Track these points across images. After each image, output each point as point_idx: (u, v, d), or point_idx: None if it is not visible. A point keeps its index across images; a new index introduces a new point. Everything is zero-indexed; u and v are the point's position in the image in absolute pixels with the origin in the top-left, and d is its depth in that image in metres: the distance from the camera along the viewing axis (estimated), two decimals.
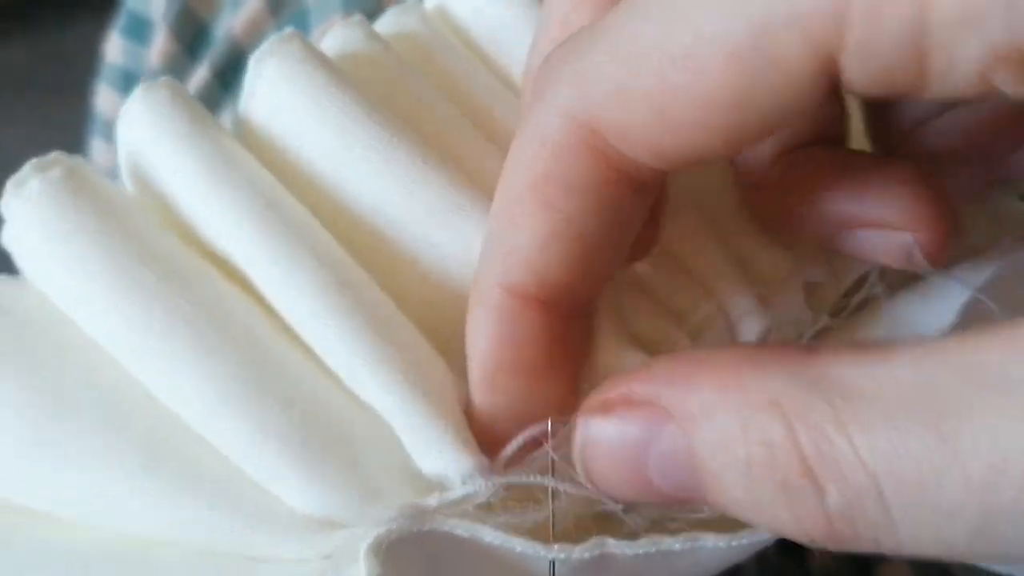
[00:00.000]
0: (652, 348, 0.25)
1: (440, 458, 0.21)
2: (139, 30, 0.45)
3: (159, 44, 0.43)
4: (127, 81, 0.46)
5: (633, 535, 0.21)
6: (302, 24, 0.40)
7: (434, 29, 0.28)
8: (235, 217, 0.23)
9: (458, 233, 0.24)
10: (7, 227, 0.23)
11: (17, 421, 0.22)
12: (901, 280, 0.27)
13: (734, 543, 0.21)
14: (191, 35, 0.43)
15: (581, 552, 0.21)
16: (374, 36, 0.27)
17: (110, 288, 0.22)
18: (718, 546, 0.21)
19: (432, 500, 0.21)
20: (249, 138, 0.25)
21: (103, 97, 0.47)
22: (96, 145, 0.47)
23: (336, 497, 0.20)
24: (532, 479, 0.22)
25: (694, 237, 0.26)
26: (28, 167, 0.23)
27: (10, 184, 0.23)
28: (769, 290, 0.26)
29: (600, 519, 0.23)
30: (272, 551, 0.21)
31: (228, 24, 0.42)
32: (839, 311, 0.27)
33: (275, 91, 0.24)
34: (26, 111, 1.14)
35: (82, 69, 0.70)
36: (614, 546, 0.21)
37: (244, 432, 0.21)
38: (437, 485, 0.21)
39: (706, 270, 0.26)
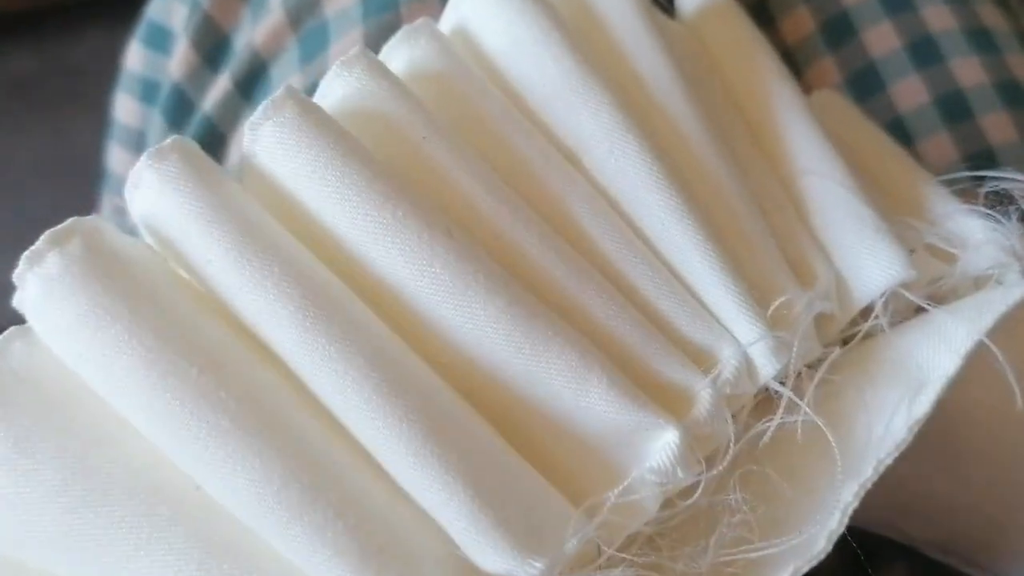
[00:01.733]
0: (672, 393, 0.25)
1: (505, 563, 0.21)
2: (160, 39, 0.46)
3: (180, 54, 0.44)
4: (147, 90, 0.46)
5: None
6: (322, 37, 0.40)
7: (452, 55, 0.27)
8: (274, 306, 0.22)
9: (469, 312, 0.23)
10: (23, 296, 0.22)
11: (50, 505, 0.21)
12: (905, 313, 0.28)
13: None
14: (211, 46, 0.44)
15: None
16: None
17: (151, 384, 0.21)
18: None
19: None
20: (258, 196, 0.24)
21: (122, 104, 0.47)
22: (113, 151, 0.48)
23: None
24: None
25: (715, 277, 0.26)
26: (43, 240, 0.22)
27: (25, 259, 0.22)
28: (785, 328, 0.26)
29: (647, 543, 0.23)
30: None
31: (249, 35, 0.42)
32: (846, 341, 0.28)
33: (273, 159, 0.24)
34: (35, 121, 1.14)
35: (91, 79, 0.70)
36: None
37: (301, 536, 0.20)
38: None
39: (728, 304, 0.26)
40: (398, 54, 0.27)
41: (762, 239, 0.28)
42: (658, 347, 0.25)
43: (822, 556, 0.23)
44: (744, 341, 0.26)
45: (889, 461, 0.24)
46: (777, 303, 0.26)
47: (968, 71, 0.38)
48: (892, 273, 0.27)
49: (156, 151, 0.23)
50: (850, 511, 0.23)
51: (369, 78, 0.25)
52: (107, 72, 0.51)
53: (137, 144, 0.47)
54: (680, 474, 0.23)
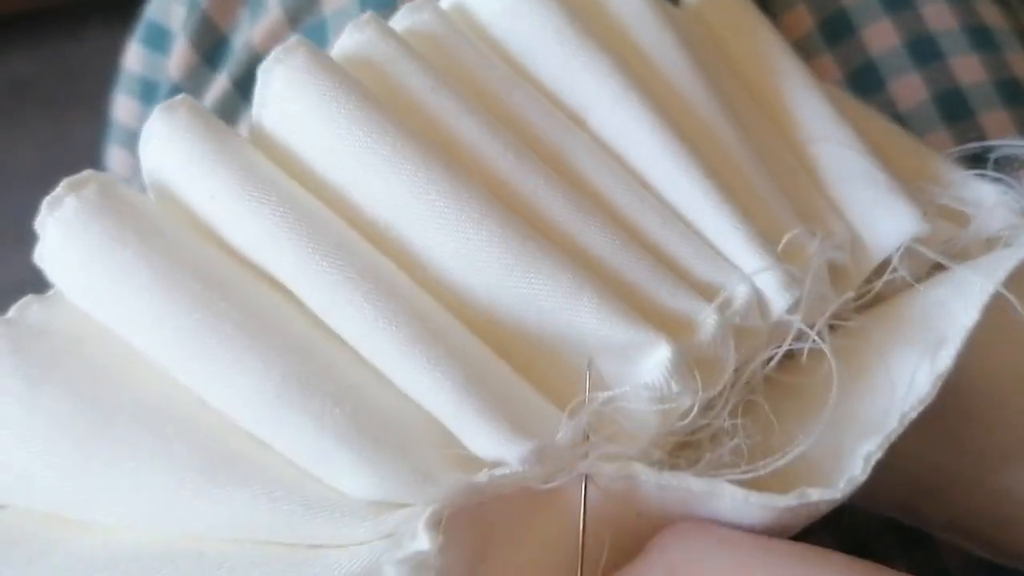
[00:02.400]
0: (677, 319, 0.25)
1: (497, 446, 0.22)
2: (158, 39, 0.46)
3: (178, 54, 0.44)
4: (146, 89, 0.46)
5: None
6: (320, 34, 0.40)
7: (453, 26, 0.28)
8: (273, 230, 0.23)
9: (463, 237, 0.24)
10: (42, 245, 0.24)
11: (62, 436, 0.22)
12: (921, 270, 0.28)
13: (751, 499, 0.22)
14: (210, 45, 0.44)
15: (611, 472, 0.22)
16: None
17: (159, 299, 0.22)
18: (735, 498, 0.22)
19: (483, 477, 0.22)
20: (264, 146, 0.26)
21: (121, 105, 0.47)
22: (114, 152, 0.48)
23: (392, 480, 0.21)
24: (574, 459, 0.22)
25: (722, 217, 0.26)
26: (62, 187, 0.23)
27: (46, 203, 0.23)
28: (796, 265, 0.26)
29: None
30: (333, 536, 0.21)
31: (247, 34, 0.42)
32: (862, 296, 0.28)
33: (284, 101, 0.25)
34: (35, 121, 1.15)
35: (91, 80, 0.70)
36: (641, 471, 0.22)
37: (302, 425, 0.21)
38: (486, 464, 0.22)
39: (736, 240, 0.26)
40: (400, 25, 0.28)
41: (770, 191, 0.28)
42: (663, 278, 0.25)
43: (838, 497, 0.23)
44: (751, 271, 0.26)
45: (914, 415, 0.24)
46: (788, 236, 0.26)
47: (968, 69, 0.38)
48: (906, 228, 0.28)
49: (167, 104, 0.24)
50: (874, 461, 0.23)
51: (380, 38, 0.26)
52: (106, 72, 0.51)
53: (136, 145, 0.47)
54: (674, 388, 0.24)
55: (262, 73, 0.25)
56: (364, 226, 0.24)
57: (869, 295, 0.28)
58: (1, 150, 1.10)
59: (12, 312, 0.24)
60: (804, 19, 0.40)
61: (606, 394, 0.23)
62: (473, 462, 0.22)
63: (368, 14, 0.27)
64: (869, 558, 0.35)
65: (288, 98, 0.25)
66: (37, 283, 0.25)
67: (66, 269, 0.24)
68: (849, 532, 0.36)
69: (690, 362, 0.24)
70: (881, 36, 0.39)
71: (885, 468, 0.24)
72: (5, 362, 0.23)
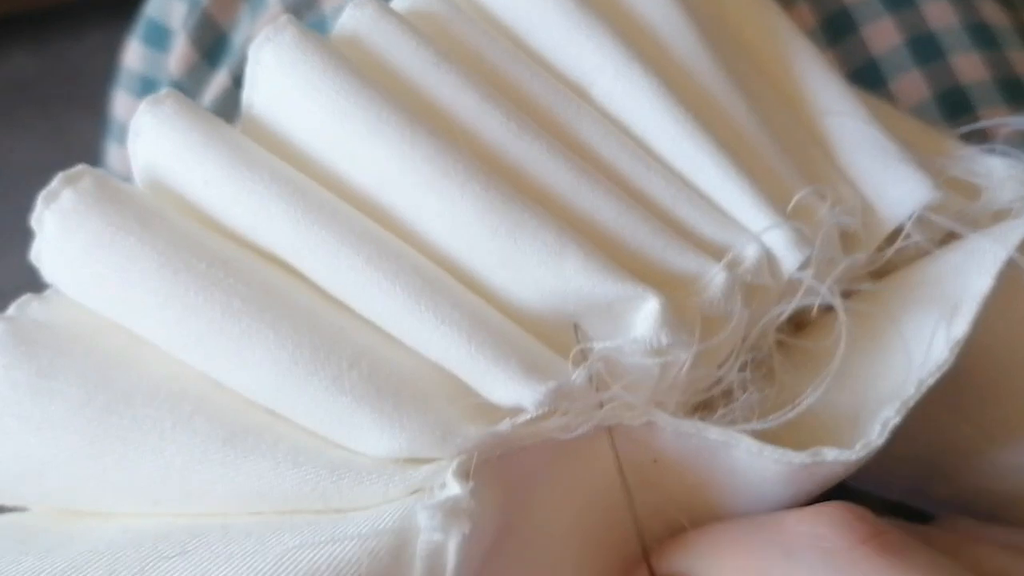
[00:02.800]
0: (686, 283, 0.25)
1: (514, 390, 0.22)
2: (158, 37, 0.46)
3: (178, 52, 0.44)
4: (145, 87, 0.46)
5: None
6: (320, 31, 0.40)
7: (453, 3, 0.28)
8: (268, 207, 0.23)
9: (448, 199, 0.24)
10: (40, 241, 0.24)
11: (76, 420, 0.22)
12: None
13: (765, 452, 0.23)
14: (210, 43, 0.44)
15: (632, 419, 0.22)
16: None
17: (166, 282, 0.22)
18: (750, 450, 0.23)
19: (505, 425, 0.22)
20: (256, 125, 0.26)
21: (120, 102, 0.47)
22: (112, 150, 0.48)
23: (416, 435, 0.21)
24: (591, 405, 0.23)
25: (729, 179, 0.27)
26: (57, 181, 0.23)
27: (41, 198, 0.23)
28: (806, 225, 0.26)
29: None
30: (361, 497, 0.21)
31: (247, 32, 0.42)
32: (874, 264, 0.28)
33: (273, 78, 0.25)
34: (35, 120, 1.15)
35: (91, 79, 0.70)
36: (660, 417, 0.23)
37: (320, 390, 0.22)
38: (507, 412, 0.22)
39: (743, 201, 0.26)
40: (400, 4, 0.28)
41: (779, 159, 0.28)
42: (668, 240, 0.25)
43: (853, 459, 0.23)
44: (759, 229, 0.26)
45: (931, 381, 0.24)
46: (798, 196, 0.26)
47: (969, 67, 0.38)
48: (919, 195, 0.27)
49: (152, 98, 0.25)
50: (891, 426, 0.24)
51: (379, 15, 0.26)
52: (106, 72, 0.51)
53: None
54: (664, 340, 0.23)
55: (252, 51, 0.25)
56: (354, 195, 0.25)
57: (881, 262, 0.28)
58: (1, 150, 1.10)
59: (12, 310, 0.25)
60: (806, 17, 0.40)
61: (602, 344, 0.24)
62: (492, 412, 0.22)
63: None
64: None
65: (278, 75, 0.25)
66: (39, 284, 0.25)
67: (66, 262, 0.24)
68: None
69: (692, 316, 0.24)
70: (882, 34, 0.39)
71: (896, 442, 0.24)
72: (11, 355, 0.23)
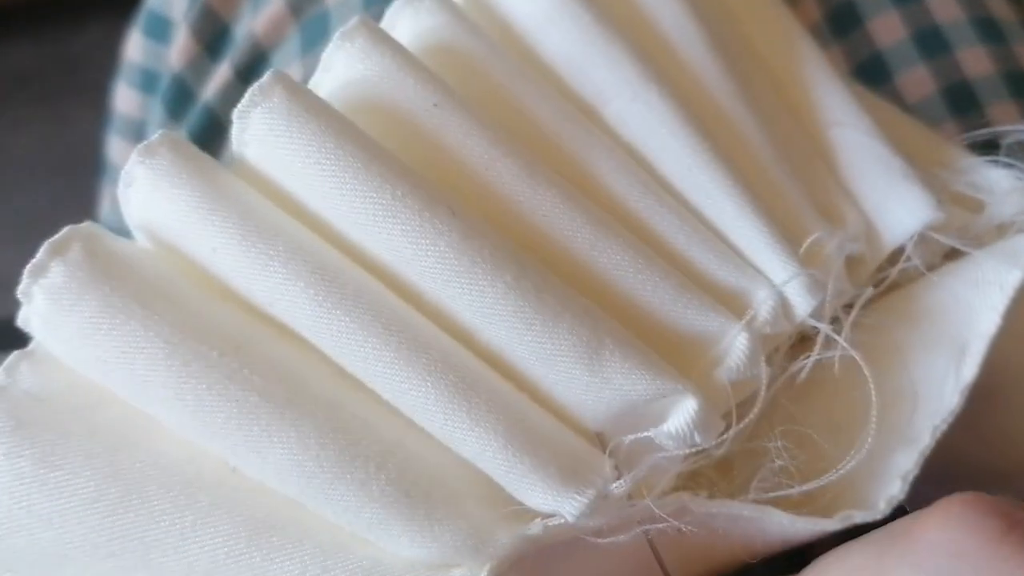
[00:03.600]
0: (706, 343, 0.25)
1: (551, 500, 0.21)
2: (160, 29, 0.46)
3: (180, 44, 0.44)
4: (147, 79, 0.46)
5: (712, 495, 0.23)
6: (323, 25, 0.40)
7: (458, 15, 0.27)
8: (286, 285, 0.22)
9: (478, 290, 0.23)
10: (28, 312, 0.22)
11: (89, 516, 0.21)
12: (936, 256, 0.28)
13: (798, 524, 0.22)
14: (212, 35, 0.44)
15: (664, 511, 0.22)
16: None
17: (174, 374, 0.21)
18: (783, 523, 0.22)
19: (536, 528, 0.21)
20: (252, 182, 0.24)
21: (122, 95, 0.47)
22: (114, 143, 0.48)
23: (447, 542, 0.21)
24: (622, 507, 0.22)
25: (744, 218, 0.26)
26: (43, 252, 0.22)
27: (28, 272, 0.22)
28: (817, 267, 0.26)
29: (690, 477, 0.24)
30: None
31: (249, 24, 0.42)
32: (878, 284, 0.28)
33: (265, 145, 0.23)
34: (36, 114, 1.14)
35: (91, 72, 0.70)
36: (691, 503, 0.22)
37: (347, 496, 0.21)
38: (538, 513, 0.22)
39: (759, 245, 0.26)
40: (401, 18, 0.27)
41: (789, 185, 0.27)
42: (689, 298, 0.24)
43: (879, 516, 0.23)
44: (778, 280, 0.25)
45: (944, 427, 0.24)
46: (809, 241, 0.26)
47: (975, 61, 0.38)
48: (921, 215, 0.27)
49: (145, 147, 0.22)
50: (911, 478, 0.24)
51: (372, 47, 0.24)
52: (107, 63, 0.50)
53: (137, 134, 0.47)
54: (697, 439, 0.23)
55: (237, 117, 0.23)
56: (375, 269, 0.23)
57: (884, 284, 0.28)
58: (0, 142, 1.10)
59: (1, 377, 0.23)
60: (811, 10, 0.40)
61: (632, 437, 0.23)
62: (524, 512, 0.22)
63: (357, 19, 0.25)
64: None
65: (270, 145, 0.23)
66: None
67: (62, 338, 0.22)
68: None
69: (723, 394, 0.24)
70: (888, 28, 0.39)
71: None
72: (12, 439, 0.22)
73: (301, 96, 0.23)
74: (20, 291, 0.22)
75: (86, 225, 0.23)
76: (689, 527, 0.22)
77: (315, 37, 0.40)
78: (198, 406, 0.21)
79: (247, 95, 0.23)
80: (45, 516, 0.21)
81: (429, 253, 0.22)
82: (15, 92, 1.20)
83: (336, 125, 0.23)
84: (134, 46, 0.46)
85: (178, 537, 0.21)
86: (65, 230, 0.22)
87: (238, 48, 0.42)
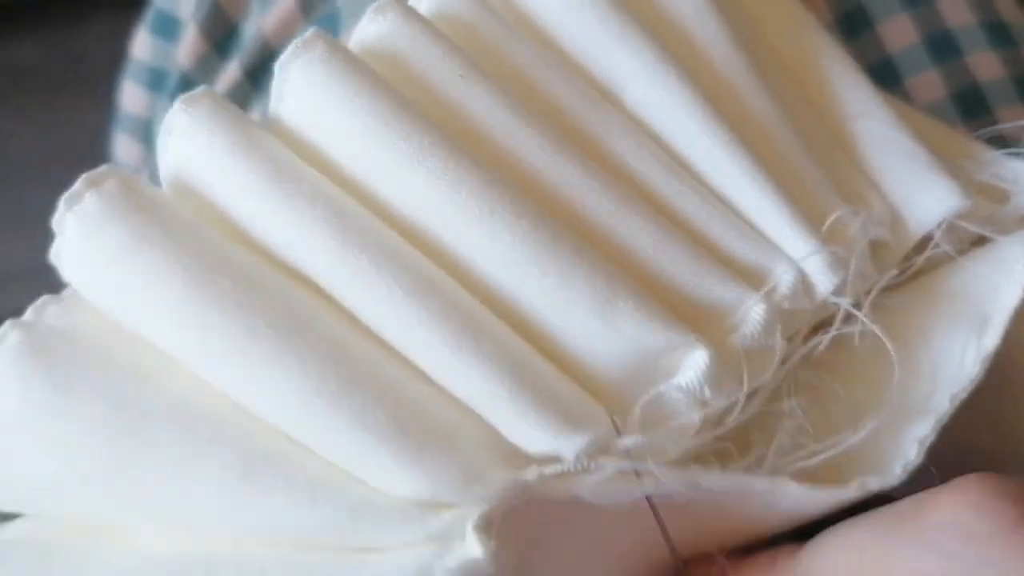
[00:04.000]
0: (724, 315, 0.25)
1: (550, 439, 0.22)
2: (167, 28, 0.45)
3: (188, 43, 0.43)
4: (154, 78, 0.46)
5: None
6: (333, 24, 0.40)
7: (480, 3, 0.27)
8: (307, 226, 0.23)
9: (496, 238, 0.23)
10: (60, 242, 0.23)
11: (93, 440, 0.22)
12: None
13: (814, 495, 0.22)
14: (221, 34, 0.43)
15: (674, 481, 0.22)
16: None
17: (190, 300, 0.22)
18: (799, 495, 0.22)
19: (532, 474, 0.21)
20: (285, 140, 0.25)
21: (129, 93, 0.47)
22: (121, 141, 0.47)
23: (439, 479, 0.21)
24: (625, 463, 0.22)
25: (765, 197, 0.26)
26: (80, 182, 0.23)
27: (64, 200, 0.22)
28: (840, 246, 0.26)
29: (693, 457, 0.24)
30: (378, 539, 0.21)
31: (258, 23, 0.42)
32: (905, 270, 0.28)
33: (303, 97, 0.24)
34: (39, 109, 1.14)
35: (95, 68, 0.70)
36: (703, 479, 0.22)
37: (341, 426, 0.21)
38: (535, 460, 0.22)
39: (780, 223, 0.26)
40: (424, 2, 0.27)
41: (811, 170, 0.27)
42: (708, 268, 0.25)
43: (895, 483, 0.23)
44: (798, 256, 0.25)
45: (963, 395, 0.24)
46: (832, 218, 0.26)
47: (986, 65, 0.38)
48: (948, 203, 0.27)
49: (188, 97, 0.24)
50: (928, 443, 0.23)
51: (403, 22, 0.25)
52: (111, 59, 0.50)
53: (144, 133, 0.47)
54: (707, 393, 0.23)
55: (279, 69, 0.24)
56: (396, 221, 0.24)
57: (910, 271, 0.28)
58: (3, 137, 1.09)
59: (29, 314, 0.24)
60: (822, 13, 0.40)
61: (646, 397, 0.23)
62: (520, 459, 0.22)
63: None
64: None
65: (307, 95, 0.24)
66: (39, 270, 0.25)
67: (88, 268, 0.23)
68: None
69: (736, 359, 0.24)
70: (899, 32, 0.39)
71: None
72: (29, 368, 0.22)
73: (340, 51, 0.24)
74: (55, 220, 0.22)
75: (122, 168, 0.24)
76: (694, 504, 0.22)
77: None
78: (207, 331, 0.22)
79: (289, 48, 0.24)
80: (51, 440, 0.22)
81: (451, 199, 0.23)
82: (18, 86, 1.20)
83: (371, 79, 0.24)
84: (141, 44, 0.46)
85: (175, 466, 0.21)
86: (103, 167, 0.23)
87: (247, 47, 0.42)
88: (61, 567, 0.22)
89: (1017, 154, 0.29)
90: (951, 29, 0.39)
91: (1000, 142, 0.31)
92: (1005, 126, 0.31)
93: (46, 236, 0.24)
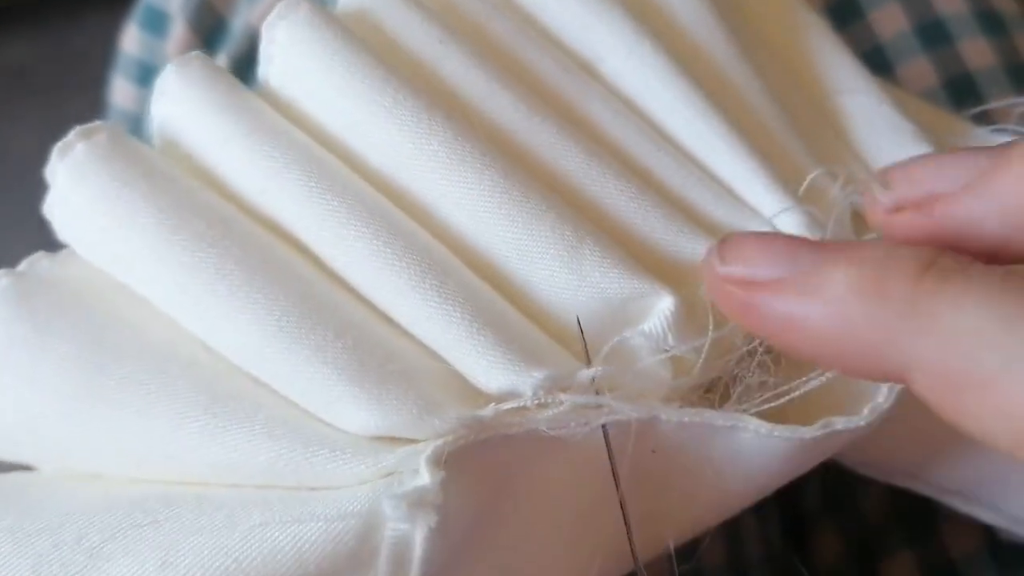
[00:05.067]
0: (697, 270, 0.25)
1: (510, 375, 0.22)
2: (156, 22, 0.46)
3: (176, 37, 0.44)
4: (143, 72, 0.46)
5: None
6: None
7: None
8: (282, 172, 0.24)
9: (465, 186, 0.24)
10: (52, 192, 0.24)
11: (69, 378, 0.23)
12: None
13: (776, 433, 0.22)
14: (208, 28, 0.44)
15: (631, 413, 0.22)
16: None
17: (163, 238, 0.23)
18: (759, 431, 0.22)
19: (488, 411, 0.21)
20: (271, 101, 0.26)
21: (119, 88, 0.47)
22: None
23: (394, 413, 0.21)
24: (585, 397, 0.22)
25: (741, 160, 0.26)
26: (73, 134, 0.24)
27: (56, 150, 0.24)
28: (818, 208, 0.26)
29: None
30: (333, 475, 0.21)
31: (245, 17, 0.42)
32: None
33: (288, 56, 0.25)
34: (34, 110, 1.14)
35: (90, 67, 0.70)
36: (662, 411, 0.22)
37: (302, 358, 0.21)
38: (493, 398, 0.22)
39: (754, 184, 0.26)
40: None
41: (792, 140, 0.28)
42: (680, 225, 0.25)
43: (862, 425, 0.23)
44: (771, 214, 0.26)
45: None
46: (809, 179, 0.26)
47: (977, 53, 0.38)
48: None
49: (181, 59, 0.25)
50: (897, 388, 0.23)
51: None
52: (105, 58, 0.50)
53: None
54: (671, 340, 0.23)
55: (266, 29, 0.25)
56: (370, 173, 0.25)
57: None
58: (1, 138, 1.10)
59: (23, 265, 0.25)
60: (812, 3, 0.40)
61: (612, 342, 0.23)
62: (480, 398, 0.22)
63: None
64: (872, 552, 0.34)
65: (292, 53, 0.25)
66: None
67: (73, 215, 0.24)
68: (852, 525, 0.36)
69: (702, 307, 0.24)
70: (890, 20, 0.39)
71: (895, 423, 0.23)
72: (13, 310, 0.23)
73: (323, 12, 0.25)
74: (47, 170, 0.24)
75: (117, 124, 0.25)
76: (658, 448, 0.22)
77: None
78: (179, 268, 0.22)
79: (276, 9, 0.25)
80: (28, 376, 0.23)
81: (423, 149, 0.24)
82: (14, 86, 1.20)
83: (351, 38, 0.25)
84: (130, 39, 0.46)
85: (143, 401, 0.22)
86: (96, 122, 0.24)
87: (235, 41, 0.42)
88: (21, 505, 0.23)
89: (1002, 130, 0.29)
90: (942, 17, 0.39)
91: (988, 122, 0.31)
92: (992, 105, 0.31)
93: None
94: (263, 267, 0.22)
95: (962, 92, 0.38)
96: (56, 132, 0.25)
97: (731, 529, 0.35)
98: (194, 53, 0.25)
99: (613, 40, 0.27)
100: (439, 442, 0.20)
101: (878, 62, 0.38)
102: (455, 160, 0.24)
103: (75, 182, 0.24)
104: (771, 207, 0.26)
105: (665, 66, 0.27)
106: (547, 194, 0.24)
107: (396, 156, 0.24)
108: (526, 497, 0.23)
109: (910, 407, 0.23)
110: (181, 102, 0.25)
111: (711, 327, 0.23)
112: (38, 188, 0.24)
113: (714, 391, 0.24)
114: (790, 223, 0.26)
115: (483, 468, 0.22)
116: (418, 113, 0.24)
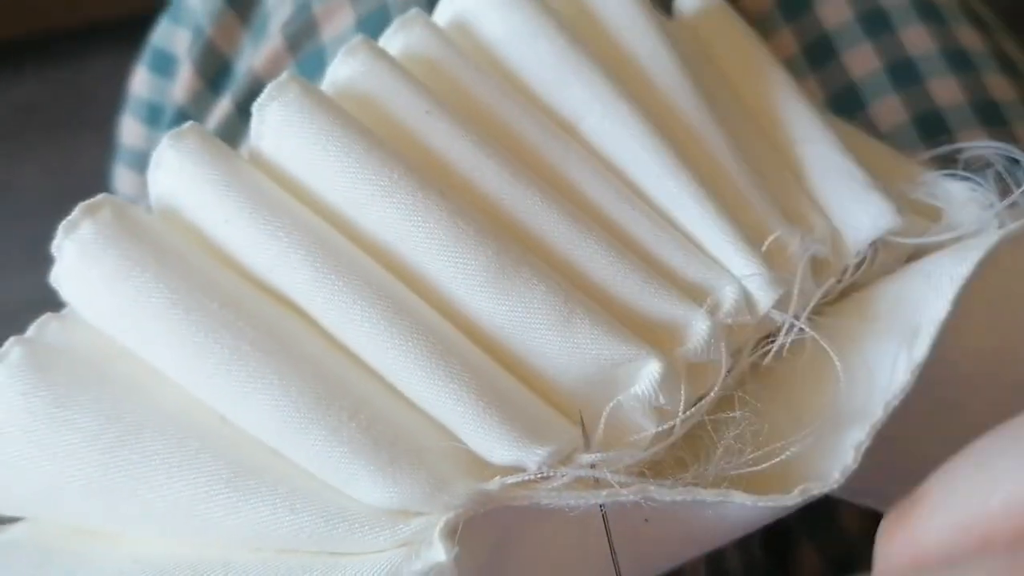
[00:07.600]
0: (671, 327, 0.26)
1: (516, 451, 0.23)
2: (164, 65, 0.47)
3: (184, 79, 0.45)
4: (152, 113, 0.48)
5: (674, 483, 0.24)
6: (318, 61, 0.41)
7: (445, 41, 0.29)
8: (287, 252, 0.24)
9: (461, 263, 0.25)
10: (59, 267, 0.24)
11: (88, 449, 0.23)
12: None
13: (760, 504, 0.23)
14: (214, 71, 0.45)
15: (627, 496, 0.23)
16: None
17: (177, 321, 0.23)
18: (744, 504, 0.23)
19: (494, 484, 0.23)
20: (266, 171, 0.26)
21: (128, 128, 0.49)
22: (120, 173, 0.49)
23: (408, 489, 0.22)
24: (585, 470, 0.23)
25: (710, 221, 0.28)
26: (78, 211, 0.24)
27: (62, 228, 0.24)
28: (781, 263, 0.28)
29: (651, 465, 0.25)
30: (352, 545, 0.22)
31: (249, 60, 0.44)
32: (841, 284, 0.29)
33: (280, 136, 0.26)
34: (42, 145, 1.16)
35: (98, 105, 0.71)
36: (655, 491, 0.23)
37: (319, 439, 0.22)
38: (500, 470, 0.23)
39: (723, 244, 0.27)
40: (394, 43, 0.29)
41: (755, 193, 0.29)
42: (657, 288, 0.26)
43: (834, 487, 0.24)
44: (740, 275, 0.27)
45: (896, 403, 0.25)
46: (771, 239, 0.27)
47: (946, 91, 0.39)
48: (882, 221, 0.29)
49: (175, 133, 0.25)
50: (863, 449, 0.25)
51: (373, 62, 0.27)
52: (113, 96, 0.52)
53: (143, 166, 0.48)
54: (662, 400, 0.25)
55: (257, 110, 0.26)
56: (369, 247, 0.25)
57: (846, 279, 0.29)
58: (9, 174, 1.11)
59: (31, 330, 0.25)
60: (788, 43, 0.42)
61: (608, 407, 0.24)
62: (486, 469, 0.23)
63: (359, 37, 0.27)
64: (851, 566, 0.35)
65: (284, 134, 0.26)
66: (46, 304, 0.26)
67: (84, 292, 0.24)
68: (831, 539, 0.37)
69: (680, 372, 0.25)
70: (862, 60, 0.40)
71: (865, 456, 0.25)
72: (30, 381, 0.24)
73: (313, 92, 0.26)
74: (54, 246, 0.24)
75: (119, 196, 0.25)
76: (651, 517, 0.23)
77: (311, 71, 0.41)
78: (195, 350, 0.23)
79: (265, 91, 0.25)
80: (50, 450, 0.23)
81: (420, 229, 0.25)
82: (23, 123, 1.21)
83: (343, 118, 0.25)
84: (139, 81, 0.48)
85: (165, 475, 0.23)
86: (100, 196, 0.25)
87: (239, 83, 0.43)
88: (56, 567, 0.23)
89: (951, 175, 0.31)
90: (912, 56, 0.40)
91: (954, 162, 0.32)
92: (957, 145, 0.32)
93: (50, 269, 0.25)
94: (277, 348, 0.23)
95: (931, 129, 0.39)
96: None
97: None
98: (189, 125, 0.25)
99: (591, 99, 0.28)
100: (451, 515, 0.22)
101: (851, 100, 0.40)
102: (451, 238, 0.24)
103: (84, 261, 0.24)
104: (740, 266, 0.27)
105: (640, 127, 0.28)
106: (537, 266, 0.25)
107: (394, 234, 0.25)
108: (527, 556, 0.25)
109: (877, 446, 0.25)
110: (178, 175, 0.25)
111: (683, 391, 0.25)
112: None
113: (687, 448, 0.25)
114: (757, 283, 0.27)
115: (488, 530, 0.23)
116: (414, 194, 0.25)
